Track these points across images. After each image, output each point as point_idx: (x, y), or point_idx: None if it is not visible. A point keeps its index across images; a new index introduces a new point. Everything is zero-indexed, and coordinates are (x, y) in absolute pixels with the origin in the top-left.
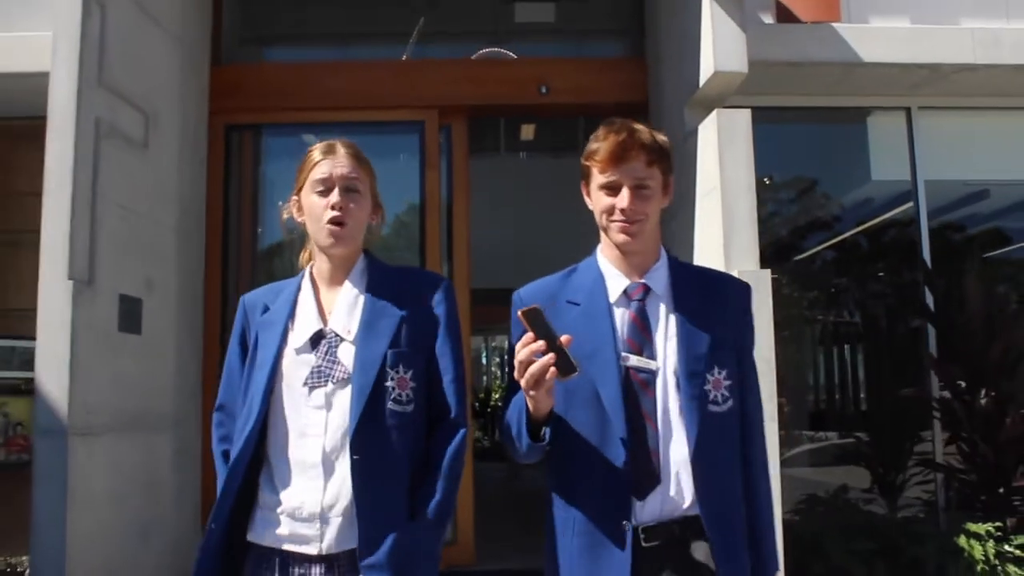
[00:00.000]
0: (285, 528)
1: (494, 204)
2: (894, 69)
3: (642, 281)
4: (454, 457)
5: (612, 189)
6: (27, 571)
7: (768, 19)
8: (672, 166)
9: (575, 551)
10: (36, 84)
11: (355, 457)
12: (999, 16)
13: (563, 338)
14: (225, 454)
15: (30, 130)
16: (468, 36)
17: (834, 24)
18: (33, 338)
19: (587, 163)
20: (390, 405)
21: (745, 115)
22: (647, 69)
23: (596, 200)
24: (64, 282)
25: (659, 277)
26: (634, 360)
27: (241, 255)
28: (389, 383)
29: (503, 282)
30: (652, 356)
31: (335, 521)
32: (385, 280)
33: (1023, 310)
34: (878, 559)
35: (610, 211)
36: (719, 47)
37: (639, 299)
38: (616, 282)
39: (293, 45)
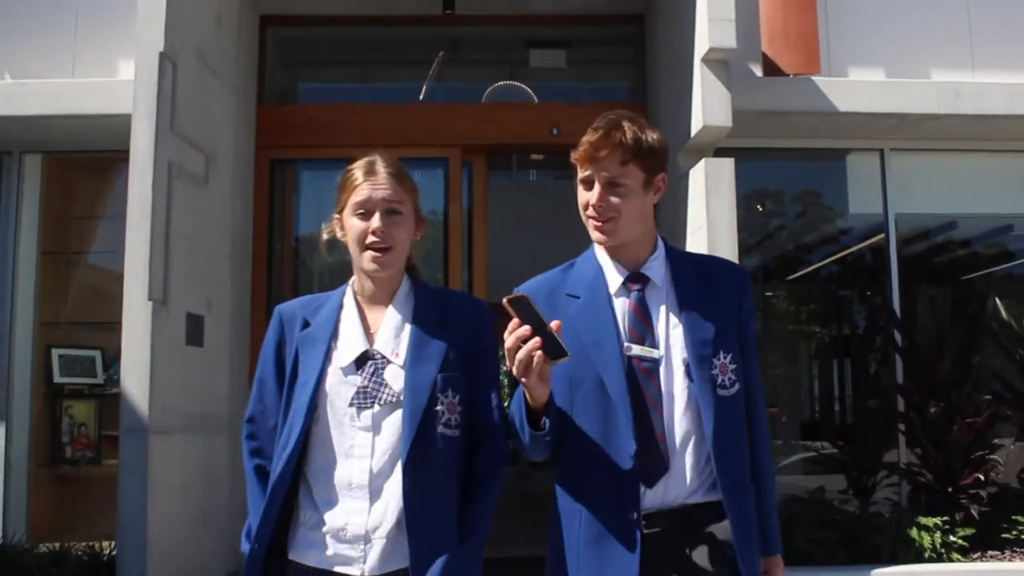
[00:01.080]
0: (328, 548)
1: (505, 223)
2: (867, 117)
3: (640, 271)
4: (499, 481)
5: (587, 184)
6: (103, 552)
7: (757, 71)
8: (659, 164)
9: (582, 543)
10: (102, 123)
11: (407, 480)
12: (965, 68)
13: (553, 323)
14: (258, 468)
15: (90, 162)
16: (486, 78)
17: (814, 77)
18: (93, 347)
19: (571, 158)
20: (440, 429)
21: (729, 163)
22: (647, 114)
23: (579, 194)
24: (144, 303)
25: (657, 267)
26: (636, 349)
27: (283, 277)
28: (439, 407)
29: None
30: (654, 345)
31: (379, 543)
32: (430, 304)
33: (971, 331)
34: (840, 547)
35: (585, 206)
36: (707, 104)
37: (638, 289)
38: (615, 273)
39: (328, 83)
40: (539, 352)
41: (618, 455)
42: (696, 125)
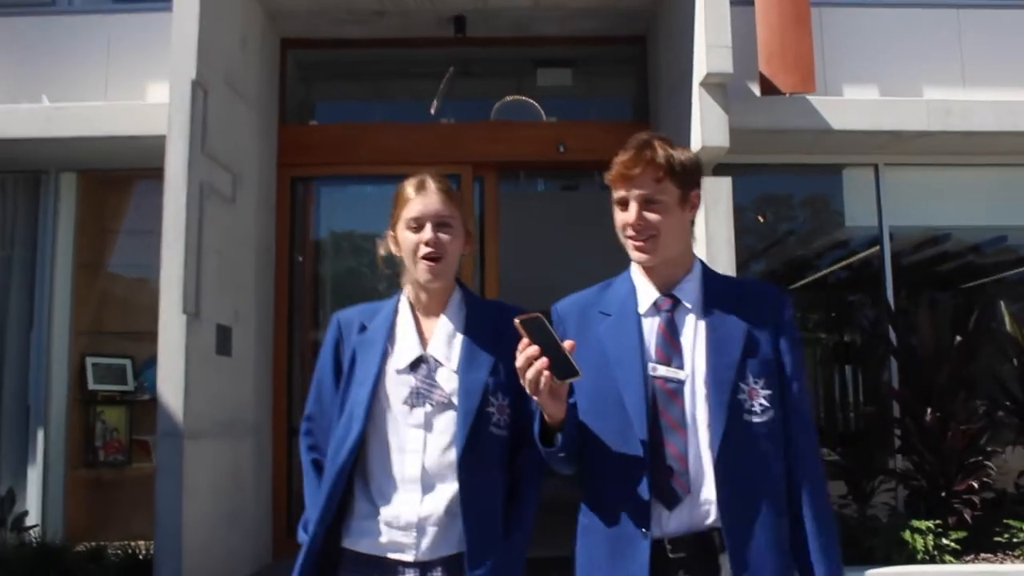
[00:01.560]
0: (383, 536)
1: (514, 229)
2: (861, 135)
3: (671, 293)
4: (541, 479)
5: (623, 205)
6: (139, 551)
7: (755, 90)
8: (693, 180)
9: (599, 557)
10: (133, 144)
11: (463, 476)
12: (956, 85)
13: (566, 343)
14: (315, 462)
15: (121, 179)
16: (496, 98)
17: (809, 96)
18: (124, 356)
19: (605, 180)
20: (491, 429)
21: (727, 182)
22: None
23: (615, 216)
24: (179, 315)
25: (690, 289)
26: (662, 370)
27: (304, 288)
28: (491, 409)
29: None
30: (680, 366)
31: (430, 531)
32: (482, 314)
33: (967, 339)
34: None
35: (623, 227)
36: (706, 126)
37: (668, 310)
38: (647, 294)
39: (345, 102)
40: (547, 372)
41: (632, 474)
42: (695, 146)
